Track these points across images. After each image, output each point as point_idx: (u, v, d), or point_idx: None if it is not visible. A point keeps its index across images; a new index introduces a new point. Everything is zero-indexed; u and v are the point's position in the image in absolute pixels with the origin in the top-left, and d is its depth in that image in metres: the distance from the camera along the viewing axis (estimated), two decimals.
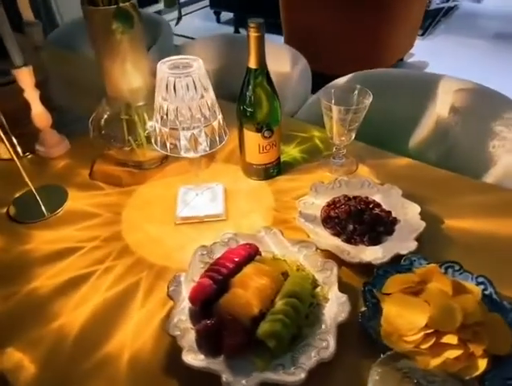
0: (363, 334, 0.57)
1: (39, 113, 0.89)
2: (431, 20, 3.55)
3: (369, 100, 0.77)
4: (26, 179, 0.79)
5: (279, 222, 0.75)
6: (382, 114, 1.06)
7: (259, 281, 0.57)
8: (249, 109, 0.75)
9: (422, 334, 0.52)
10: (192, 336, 0.55)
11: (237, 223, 0.76)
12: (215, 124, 0.65)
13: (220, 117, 0.66)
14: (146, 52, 0.73)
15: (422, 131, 1.13)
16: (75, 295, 0.64)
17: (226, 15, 3.94)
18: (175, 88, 0.60)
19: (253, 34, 0.68)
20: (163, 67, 0.60)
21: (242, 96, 0.75)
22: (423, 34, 3.41)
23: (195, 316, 0.58)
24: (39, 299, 0.64)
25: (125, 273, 0.67)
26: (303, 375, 0.50)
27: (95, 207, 0.80)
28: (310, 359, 0.52)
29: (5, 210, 0.80)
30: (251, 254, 0.61)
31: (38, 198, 0.81)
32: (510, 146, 0.99)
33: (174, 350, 0.55)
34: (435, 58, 3.12)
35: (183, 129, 0.63)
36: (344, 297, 0.58)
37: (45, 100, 0.91)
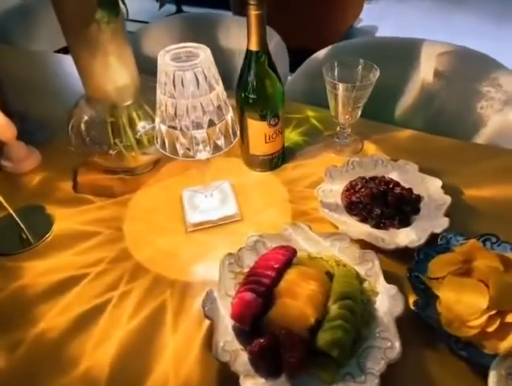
0: (417, 324, 0.54)
1: (2, 124, 0.76)
2: None
3: (375, 75, 0.73)
4: (3, 202, 0.68)
5: (298, 215, 0.70)
6: None
7: (307, 286, 0.52)
8: (252, 96, 0.68)
9: (485, 317, 0.50)
10: (244, 358, 0.50)
11: (253, 222, 0.70)
12: (228, 118, 0.57)
13: (230, 109, 0.59)
14: (129, 44, 0.63)
15: (407, 98, 1.11)
16: (93, 331, 0.56)
17: None
18: (183, 82, 0.52)
19: (253, 12, 0.61)
20: (166, 59, 0.52)
21: (243, 82, 0.68)
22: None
23: (241, 335, 0.52)
24: (52, 343, 0.55)
25: (145, 297, 0.60)
26: (376, 382, 0.47)
27: (90, 225, 0.70)
28: (378, 362, 0.49)
29: None
30: (290, 258, 0.56)
31: (20, 223, 0.70)
32: (499, 106, 0.99)
33: (226, 375, 0.49)
34: (382, 21, 3.13)
35: (196, 127, 0.55)
36: (394, 289, 0.55)
37: (3, 107, 0.78)
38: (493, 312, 0.50)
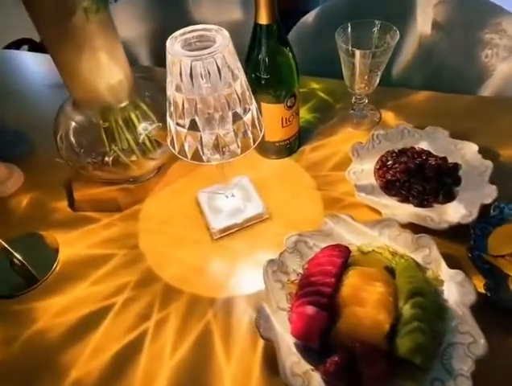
0: (490, 308, 0.49)
1: None
2: None
3: (394, 38, 0.65)
4: None
5: (330, 203, 0.64)
6: None
7: (373, 289, 0.47)
8: (265, 76, 0.60)
9: None
10: (317, 379, 0.44)
11: (283, 218, 0.63)
12: (253, 107, 0.49)
13: (254, 106, 0.50)
14: (118, 35, 0.53)
15: (404, 54, 1.05)
16: (134, 373, 0.49)
17: None
18: (202, 74, 0.43)
19: None
20: (177, 47, 0.43)
21: (252, 61, 0.60)
22: None
23: (308, 353, 0.46)
24: None
25: (184, 323, 0.53)
26: (468, 383, 0.42)
27: (101, 247, 0.62)
28: (464, 361, 0.44)
29: None
30: (346, 259, 0.50)
31: (17, 256, 0.61)
32: (504, 53, 0.94)
33: None
34: None
35: (220, 125, 0.47)
36: (460, 274, 0.50)
37: None
38: None
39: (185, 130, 0.47)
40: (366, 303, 0.46)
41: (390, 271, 0.51)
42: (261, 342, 0.50)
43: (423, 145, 0.68)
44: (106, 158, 0.64)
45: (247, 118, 0.48)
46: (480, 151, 0.64)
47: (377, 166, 0.65)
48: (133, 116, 0.60)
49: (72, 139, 0.62)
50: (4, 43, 1.45)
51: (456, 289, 0.49)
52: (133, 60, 1.13)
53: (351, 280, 0.48)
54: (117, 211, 0.66)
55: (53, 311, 0.56)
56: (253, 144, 0.51)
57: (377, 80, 0.70)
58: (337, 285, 0.48)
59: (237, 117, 0.48)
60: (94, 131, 0.61)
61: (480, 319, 0.46)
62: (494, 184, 0.60)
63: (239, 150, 0.50)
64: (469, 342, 0.45)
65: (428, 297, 0.48)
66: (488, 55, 0.96)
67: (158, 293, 0.56)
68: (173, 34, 0.44)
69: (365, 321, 0.45)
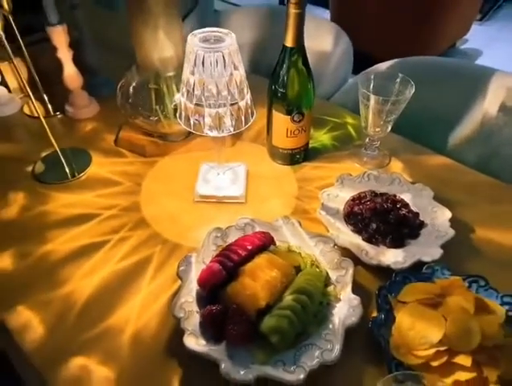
0: (371, 341, 0.55)
1: (72, 74, 0.88)
2: (492, 4, 3.29)
3: (410, 92, 0.72)
4: (52, 139, 0.78)
5: (300, 211, 0.73)
6: (422, 105, 0.98)
7: (270, 273, 0.55)
8: (281, 90, 0.71)
9: (434, 350, 0.49)
10: (196, 320, 0.55)
11: (256, 207, 0.74)
12: (242, 104, 0.62)
13: (248, 96, 0.63)
14: (180, 19, 0.70)
15: (465, 129, 1.05)
16: (86, 263, 0.65)
17: None
18: (204, 62, 0.57)
19: (292, 10, 0.63)
20: (194, 39, 0.57)
21: (275, 75, 0.72)
22: (481, 19, 3.18)
23: (201, 299, 0.57)
24: (52, 263, 0.65)
25: (138, 246, 0.67)
26: (302, 376, 0.49)
27: (117, 175, 0.79)
28: (312, 359, 0.50)
29: (31, 168, 0.81)
30: (265, 244, 0.59)
31: (62, 159, 0.81)
32: None
33: (178, 331, 0.54)
34: (491, 46, 2.90)
35: (209, 106, 0.60)
36: (356, 300, 0.55)
37: (78, 60, 0.90)
38: (443, 348, 0.49)
39: (192, 106, 0.61)
40: (258, 279, 0.54)
41: (298, 271, 0.58)
42: (178, 285, 0.61)
43: (406, 196, 0.72)
44: (152, 118, 0.81)
45: (242, 104, 0.61)
46: (452, 220, 0.67)
47: (352, 198, 0.72)
48: (174, 86, 0.76)
49: (131, 92, 0.80)
50: None
51: (345, 310, 0.55)
52: None
53: (258, 260, 0.57)
54: (143, 156, 0.83)
55: (62, 202, 0.74)
56: (233, 131, 0.63)
57: (389, 127, 0.77)
58: (247, 259, 0.57)
59: (234, 101, 0.61)
60: (146, 92, 0.78)
61: (355, 343, 0.53)
62: (446, 251, 0.62)
63: (232, 128, 0.62)
64: (326, 348, 0.51)
65: (315, 303, 0.55)
66: None
67: (134, 220, 0.71)
68: (195, 31, 0.58)
69: (247, 291, 0.53)
